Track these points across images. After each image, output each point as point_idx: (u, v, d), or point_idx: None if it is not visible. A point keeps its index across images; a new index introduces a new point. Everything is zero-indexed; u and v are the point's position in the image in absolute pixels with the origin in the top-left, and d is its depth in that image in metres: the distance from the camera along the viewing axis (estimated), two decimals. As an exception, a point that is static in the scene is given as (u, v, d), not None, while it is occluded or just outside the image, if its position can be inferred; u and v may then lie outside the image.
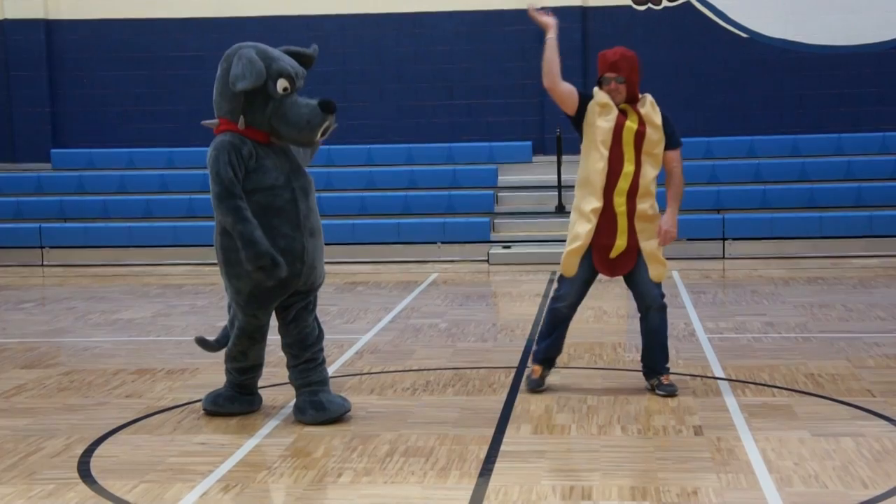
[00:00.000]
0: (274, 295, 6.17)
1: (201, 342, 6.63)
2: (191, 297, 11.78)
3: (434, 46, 16.46)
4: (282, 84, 6.08)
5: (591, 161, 6.66)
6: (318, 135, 6.10)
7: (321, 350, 6.38)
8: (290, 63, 6.14)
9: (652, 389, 6.87)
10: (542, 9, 6.88)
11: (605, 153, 6.61)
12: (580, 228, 6.70)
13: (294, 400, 6.43)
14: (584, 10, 16.07)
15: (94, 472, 5.52)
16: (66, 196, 15.91)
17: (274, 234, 6.06)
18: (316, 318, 6.41)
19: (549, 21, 6.71)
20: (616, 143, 6.61)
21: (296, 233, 6.10)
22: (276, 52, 6.19)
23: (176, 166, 15.98)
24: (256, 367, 6.47)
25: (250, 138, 6.10)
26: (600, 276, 6.91)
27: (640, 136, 6.63)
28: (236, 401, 6.46)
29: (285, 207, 6.09)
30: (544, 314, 7.02)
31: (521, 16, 16.41)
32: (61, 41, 16.84)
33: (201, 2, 16.56)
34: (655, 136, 6.67)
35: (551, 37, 6.68)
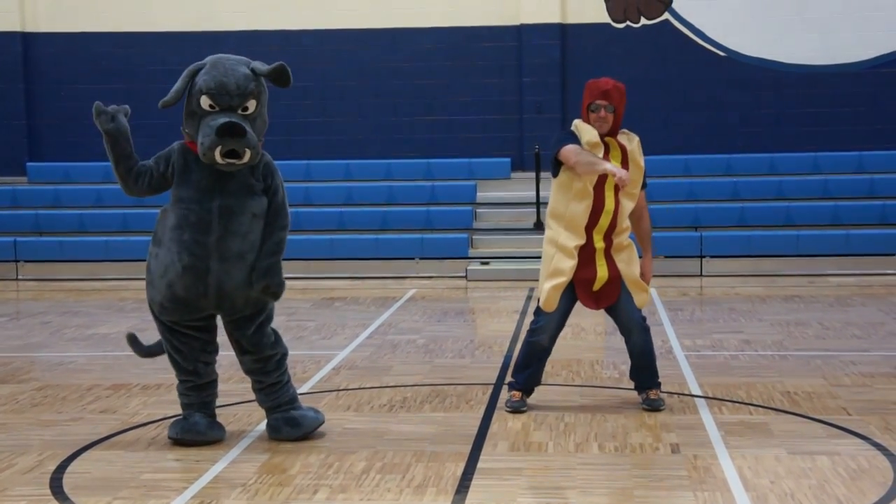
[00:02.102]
0: (181, 310, 6.04)
1: (132, 341, 6.49)
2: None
3: (413, 62, 16.48)
4: (204, 101, 5.90)
5: (575, 198, 6.64)
6: (218, 158, 5.85)
7: (284, 371, 6.29)
8: (220, 79, 5.87)
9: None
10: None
11: (591, 191, 6.62)
12: (562, 264, 6.69)
13: (266, 420, 6.38)
14: (563, 27, 16.12)
15: (66, 489, 5.47)
16: (42, 210, 15.83)
17: (181, 249, 5.96)
18: (276, 342, 6.25)
19: (620, 175, 6.37)
20: (600, 182, 6.63)
21: (202, 252, 5.96)
22: (226, 65, 5.94)
23: (153, 180, 15.93)
24: (214, 384, 6.29)
25: (193, 150, 6.03)
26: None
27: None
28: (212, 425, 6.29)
29: (197, 225, 5.96)
30: (521, 346, 7.00)
31: (499, 32, 16.54)
32: (38, 54, 16.79)
33: (180, 16, 16.55)
34: (636, 176, 6.71)
35: (595, 169, 6.43)
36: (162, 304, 6.08)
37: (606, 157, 6.63)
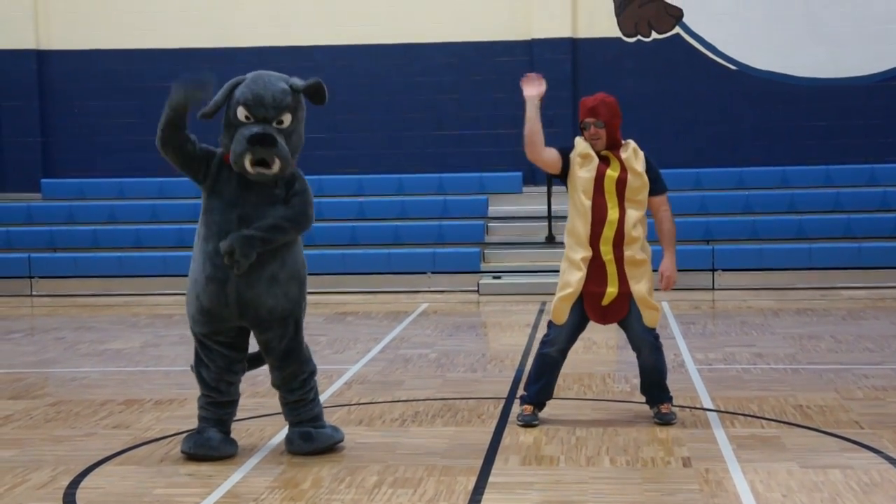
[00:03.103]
0: (208, 320, 6.08)
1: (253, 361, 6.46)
2: (180, 327, 11.73)
3: (424, 77, 16.52)
4: (241, 112, 5.97)
5: (576, 211, 6.69)
6: (248, 166, 5.92)
7: (310, 390, 6.29)
8: (258, 91, 5.95)
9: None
10: (534, 73, 6.78)
11: (588, 203, 6.63)
12: (571, 276, 6.71)
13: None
14: (574, 42, 16.15)
15: (80, 504, 5.49)
16: (56, 226, 15.89)
17: (205, 259, 6.05)
18: (306, 360, 6.26)
19: (530, 93, 6.60)
20: (598, 193, 6.64)
21: (222, 262, 6.00)
22: (265, 80, 6.03)
23: (166, 196, 15.98)
24: (233, 403, 6.30)
25: (226, 162, 6.08)
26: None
27: (621, 184, 6.65)
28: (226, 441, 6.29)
29: (219, 235, 6.03)
30: (533, 359, 7.01)
31: (510, 47, 16.57)
32: (52, 71, 16.88)
33: (193, 32, 16.62)
34: (637, 183, 6.69)
35: (530, 111, 6.59)
36: (193, 315, 6.17)
37: (606, 167, 6.65)
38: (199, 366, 6.22)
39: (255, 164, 5.92)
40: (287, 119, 6.04)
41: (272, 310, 6.08)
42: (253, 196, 6.05)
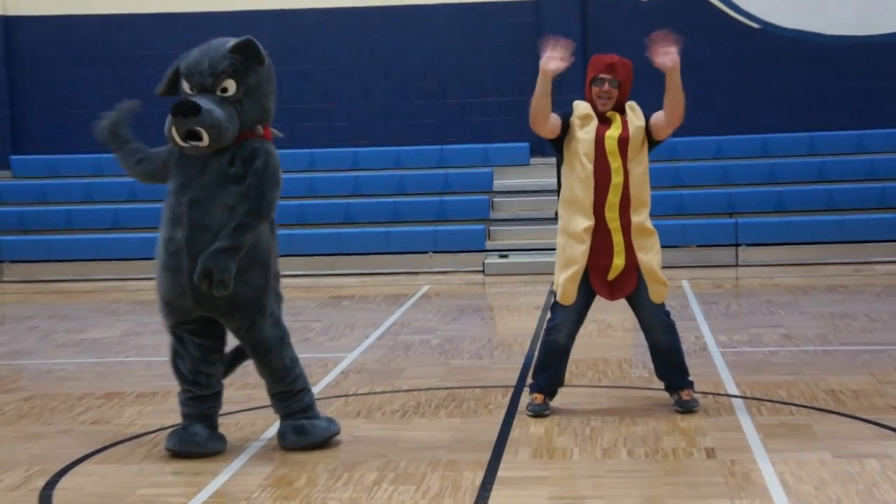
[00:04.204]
0: (166, 311, 6.11)
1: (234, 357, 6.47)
2: (163, 313, 11.75)
3: (423, 41, 16.48)
4: (184, 84, 5.97)
5: (576, 176, 6.66)
6: (178, 139, 5.83)
7: (295, 379, 6.24)
8: (192, 60, 5.91)
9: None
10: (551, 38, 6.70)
11: (590, 166, 6.61)
12: (573, 251, 6.67)
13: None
14: (583, 1, 16.08)
15: (56, 506, 5.49)
16: (28, 206, 15.90)
17: (161, 247, 6.07)
18: (283, 347, 6.20)
19: (548, 67, 6.51)
20: (600, 154, 6.62)
21: (175, 248, 5.99)
22: (208, 45, 5.96)
23: (146, 173, 15.97)
24: (216, 396, 6.28)
25: None
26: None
27: (623, 143, 6.63)
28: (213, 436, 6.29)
29: (171, 220, 6.03)
30: (539, 346, 7.01)
31: (517, 7, 16.52)
32: (21, 39, 16.84)
33: (171, -4, 16.58)
34: (639, 136, 6.66)
35: (542, 85, 6.53)
36: (159, 306, 6.20)
37: (606, 128, 6.63)
38: (175, 358, 6.22)
39: (184, 137, 5.82)
40: (231, 86, 5.91)
41: (232, 298, 5.97)
42: (205, 176, 5.97)
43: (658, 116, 6.70)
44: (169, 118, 5.84)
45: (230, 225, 5.89)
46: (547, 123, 6.64)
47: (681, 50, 6.64)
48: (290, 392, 6.24)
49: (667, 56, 6.58)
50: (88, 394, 7.93)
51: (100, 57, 16.64)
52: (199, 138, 5.82)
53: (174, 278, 6.01)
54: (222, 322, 6.16)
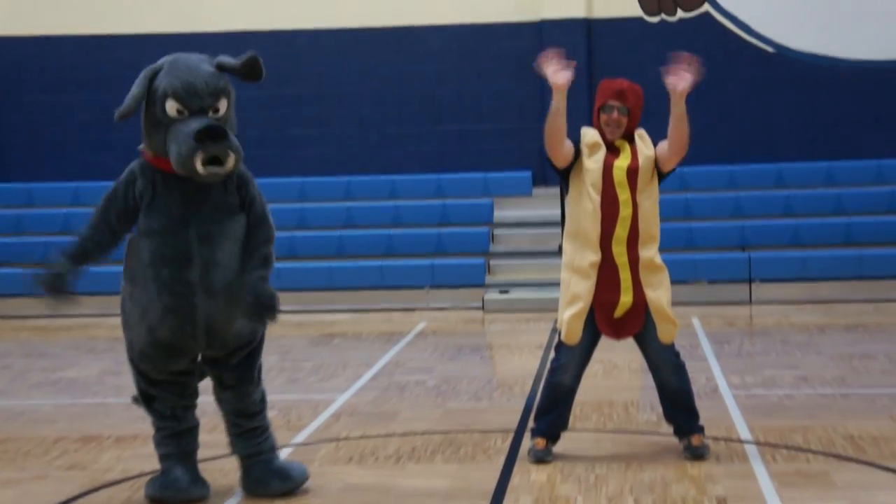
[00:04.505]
0: (164, 356, 6.03)
1: (136, 402, 6.40)
2: (144, 351, 11.73)
3: (421, 64, 16.54)
4: (171, 106, 5.86)
5: (583, 208, 6.67)
6: (197, 166, 5.79)
7: (266, 414, 6.29)
8: (187, 79, 5.85)
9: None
10: (552, 50, 6.74)
11: (597, 198, 6.63)
12: (578, 287, 6.69)
13: (241, 470, 6.32)
14: (588, 23, 16.17)
15: (30, 557, 5.48)
16: (2, 237, 15.89)
17: (161, 289, 5.92)
18: (259, 379, 6.25)
19: (559, 81, 6.56)
20: (608, 185, 6.64)
21: (184, 289, 5.92)
22: (188, 64, 5.93)
23: (128, 202, 15.97)
24: (194, 431, 6.27)
25: (158, 168, 5.97)
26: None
27: (632, 174, 6.65)
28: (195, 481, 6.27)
29: (175, 258, 5.92)
30: (542, 387, 7.00)
31: (518, 29, 16.59)
32: (-3, 61, 16.90)
33: (157, 15, 16.63)
34: (648, 167, 6.69)
35: (558, 102, 6.56)
36: (143, 350, 6.05)
37: (615, 158, 6.65)
38: (146, 399, 6.18)
39: (206, 163, 5.82)
40: (223, 106, 5.96)
41: (239, 333, 6.05)
42: (206, 208, 5.96)
43: (662, 147, 6.73)
44: (189, 143, 5.73)
45: (255, 255, 5.99)
46: (563, 147, 6.62)
47: (698, 80, 6.67)
48: (261, 428, 6.24)
49: (681, 79, 6.61)
50: (64, 437, 7.92)
51: (80, 80, 16.66)
52: (222, 164, 5.81)
53: (184, 321, 5.92)
54: (221, 358, 6.13)
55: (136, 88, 5.92)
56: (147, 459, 7.10)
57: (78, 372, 10.60)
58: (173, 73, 5.90)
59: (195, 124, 5.79)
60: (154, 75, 5.95)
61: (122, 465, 7.12)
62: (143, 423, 8.08)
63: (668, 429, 7.14)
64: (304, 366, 10.52)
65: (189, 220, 5.96)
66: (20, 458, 7.39)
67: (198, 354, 6.10)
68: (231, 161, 5.83)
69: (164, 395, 6.15)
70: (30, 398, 9.47)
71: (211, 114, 5.92)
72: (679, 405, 6.89)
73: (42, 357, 11.58)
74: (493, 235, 15.63)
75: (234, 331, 6.03)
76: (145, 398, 6.18)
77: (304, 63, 16.31)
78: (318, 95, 16.51)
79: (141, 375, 6.15)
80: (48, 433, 8.06)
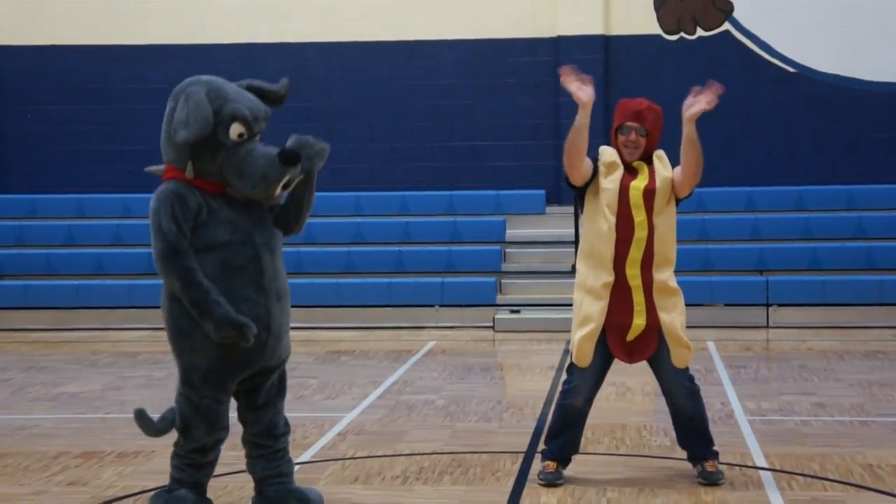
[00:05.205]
0: (236, 371, 6.01)
1: (141, 418, 6.30)
2: (147, 367, 11.76)
3: (432, 79, 16.57)
4: (235, 130, 5.92)
5: (597, 228, 6.68)
6: (277, 190, 5.93)
7: (289, 438, 6.28)
8: (248, 104, 5.97)
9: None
10: (574, 68, 6.76)
11: (612, 218, 6.64)
12: (591, 308, 6.70)
13: (257, 492, 6.30)
14: (606, 40, 16.20)
15: (28, 573, 5.49)
16: (4, 249, 15.93)
17: (234, 299, 5.91)
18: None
19: (584, 97, 6.58)
20: (624, 206, 6.65)
21: (260, 296, 5.96)
22: (233, 88, 6.03)
23: (132, 215, 15.98)
24: (214, 462, 6.28)
25: (199, 188, 5.98)
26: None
27: (649, 195, 6.66)
28: None
29: (247, 267, 5.96)
30: (553, 409, 7.01)
31: (533, 45, 16.62)
32: (1, 70, 16.94)
33: (165, 26, 16.68)
34: (666, 188, 6.71)
35: (583, 119, 6.57)
36: (210, 369, 5.97)
37: (632, 178, 6.67)
38: (183, 425, 6.10)
39: (285, 185, 5.98)
40: None
41: (288, 344, 6.16)
42: (260, 219, 6.08)
43: (676, 172, 6.75)
44: (275, 167, 5.85)
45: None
46: (582, 164, 6.62)
47: (712, 109, 6.71)
48: (284, 450, 6.24)
49: (695, 103, 6.64)
50: (65, 452, 7.92)
51: (85, 91, 16.71)
52: (289, 187, 6.00)
53: (259, 328, 5.91)
54: (267, 376, 6.15)
55: (204, 110, 5.87)
56: (148, 476, 7.12)
57: (79, 386, 10.62)
58: (238, 99, 5.97)
59: (271, 148, 5.92)
60: (217, 99, 5.96)
61: (123, 481, 7.13)
62: (144, 440, 8.08)
63: (681, 453, 7.14)
64: (311, 383, 10.53)
65: (251, 229, 6.03)
66: (20, 473, 7.39)
67: (258, 367, 6.09)
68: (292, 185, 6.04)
69: (204, 423, 6.07)
70: (30, 413, 9.49)
71: (258, 138, 6.06)
72: (693, 431, 6.88)
73: (43, 371, 11.59)
74: (504, 254, 15.64)
75: (286, 340, 6.14)
76: (184, 424, 6.10)
77: (313, 76, 16.36)
78: (327, 109, 16.54)
79: (193, 400, 6.06)
80: (49, 448, 8.07)
